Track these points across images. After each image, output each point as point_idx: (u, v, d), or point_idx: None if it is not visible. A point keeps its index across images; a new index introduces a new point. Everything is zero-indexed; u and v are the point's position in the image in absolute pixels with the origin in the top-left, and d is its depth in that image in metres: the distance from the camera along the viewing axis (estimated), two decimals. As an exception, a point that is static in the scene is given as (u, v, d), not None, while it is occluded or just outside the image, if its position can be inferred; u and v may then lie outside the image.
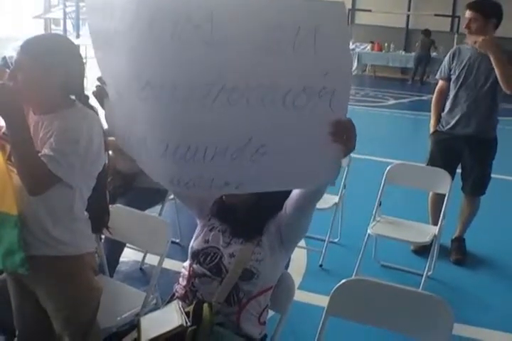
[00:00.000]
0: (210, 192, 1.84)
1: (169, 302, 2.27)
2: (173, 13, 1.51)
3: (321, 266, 4.24)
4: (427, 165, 4.45)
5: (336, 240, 4.60)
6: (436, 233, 3.92)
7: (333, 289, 2.22)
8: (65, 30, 12.71)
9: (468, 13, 4.13)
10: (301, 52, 1.48)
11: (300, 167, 1.70)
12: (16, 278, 2.28)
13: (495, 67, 3.97)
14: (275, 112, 1.57)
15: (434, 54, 15.85)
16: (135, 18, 1.57)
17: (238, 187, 1.75)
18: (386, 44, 17.12)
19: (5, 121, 1.96)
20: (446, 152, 4.40)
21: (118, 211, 2.59)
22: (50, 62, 2.05)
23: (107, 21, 1.69)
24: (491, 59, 3.97)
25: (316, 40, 1.46)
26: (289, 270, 2.44)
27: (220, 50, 1.51)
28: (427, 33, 15.68)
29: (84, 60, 2.23)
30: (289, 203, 2.15)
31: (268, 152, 1.64)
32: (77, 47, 2.27)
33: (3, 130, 2.05)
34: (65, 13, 12.97)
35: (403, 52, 17.10)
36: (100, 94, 1.93)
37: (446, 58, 4.38)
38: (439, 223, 3.99)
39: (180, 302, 2.18)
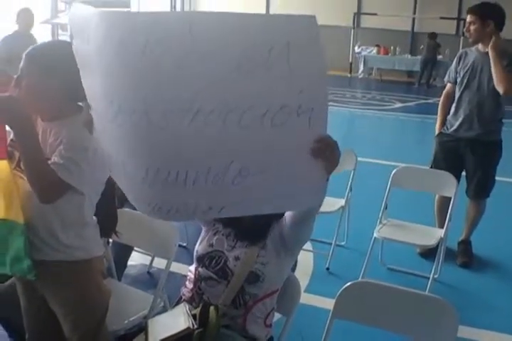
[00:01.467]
0: (193, 218, 1.79)
1: (177, 305, 2.29)
2: (142, 34, 1.43)
3: (327, 269, 4.25)
4: (431, 166, 4.47)
5: (342, 243, 4.61)
6: (443, 236, 3.92)
7: (339, 291, 2.23)
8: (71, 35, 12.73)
9: (467, 17, 4.21)
10: (275, 70, 1.42)
11: (284, 188, 1.64)
12: (25, 282, 2.30)
13: (492, 67, 4.03)
14: (254, 133, 1.51)
15: (439, 57, 15.84)
16: (104, 39, 1.49)
17: (221, 212, 1.68)
18: (392, 47, 17.11)
19: (13, 130, 1.97)
20: (449, 153, 4.42)
21: (126, 215, 2.60)
22: (55, 70, 2.05)
23: (84, 44, 1.64)
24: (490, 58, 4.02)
25: (289, 57, 1.41)
26: (296, 273, 2.46)
27: (191, 73, 1.44)
28: (432, 36, 15.65)
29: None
30: (287, 216, 2.17)
31: (250, 174, 1.59)
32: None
33: (11, 137, 2.07)
34: (71, 19, 13.01)
35: (409, 56, 17.08)
36: (88, 123, 1.85)
37: (454, 61, 4.42)
38: (445, 226, 3.99)
39: (187, 305, 2.19)
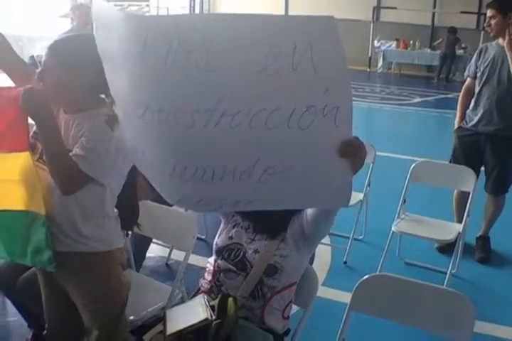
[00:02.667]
0: (221, 210, 1.79)
1: (194, 296, 2.31)
2: (166, 37, 1.43)
3: (345, 263, 4.26)
4: (450, 161, 4.45)
5: (360, 237, 4.61)
6: (461, 231, 3.91)
7: (356, 284, 2.24)
8: (91, 29, 12.77)
9: (487, 12, 4.18)
10: (300, 70, 1.42)
11: (310, 187, 1.65)
12: (46, 273, 2.31)
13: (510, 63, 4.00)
14: (280, 134, 1.52)
15: (460, 51, 15.73)
16: (130, 40, 1.50)
17: (248, 205, 1.71)
18: (411, 42, 17.02)
19: (35, 122, 1.99)
20: (468, 148, 4.40)
21: (145, 207, 2.62)
22: (78, 63, 2.06)
23: (108, 39, 1.64)
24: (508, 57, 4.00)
25: (312, 57, 1.41)
26: (313, 266, 2.46)
27: (216, 76, 1.44)
28: (452, 30, 15.53)
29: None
30: (309, 210, 2.18)
31: (276, 173, 1.60)
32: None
33: (34, 129, 2.09)
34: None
35: (429, 50, 16.96)
36: (111, 121, 1.91)
37: (474, 56, 4.39)
38: (464, 221, 3.98)
39: (205, 296, 2.21)
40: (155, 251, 4.11)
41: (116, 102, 1.80)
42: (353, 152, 1.56)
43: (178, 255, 3.82)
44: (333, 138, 1.55)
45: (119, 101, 1.76)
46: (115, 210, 2.29)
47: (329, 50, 1.43)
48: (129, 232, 3.01)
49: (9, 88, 2.07)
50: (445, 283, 3.69)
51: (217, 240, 2.37)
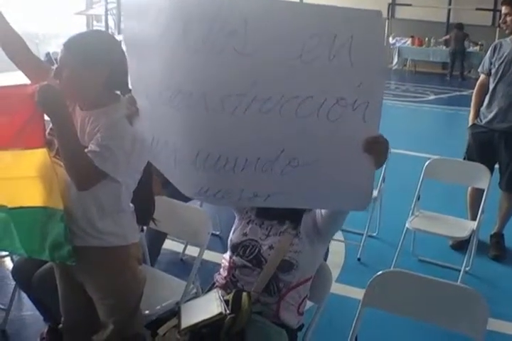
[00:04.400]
0: (238, 204, 1.77)
1: (209, 291, 2.33)
2: (207, 19, 1.46)
3: (359, 259, 4.26)
4: (464, 158, 4.44)
5: (374, 234, 4.61)
6: (475, 228, 3.90)
7: (370, 280, 2.25)
8: (106, 26, 12.81)
9: (503, 9, 4.17)
10: (336, 61, 1.43)
11: (332, 183, 1.65)
12: (63, 267, 2.33)
13: None
14: (308, 124, 1.53)
15: (474, 48, 15.62)
16: (169, 22, 1.53)
17: (266, 200, 1.70)
18: (426, 38, 16.92)
19: (51, 118, 2.00)
20: (482, 145, 4.38)
21: (160, 202, 2.63)
22: (94, 60, 2.08)
23: (141, 26, 1.66)
24: None
25: (351, 49, 1.42)
26: (327, 263, 2.47)
27: (253, 60, 1.46)
28: (459, 26, 15.49)
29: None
30: (323, 210, 2.19)
31: (300, 165, 1.60)
32: (119, 43, 2.29)
33: (51, 125, 2.10)
34: (106, 10, 13.07)
35: (444, 47, 16.87)
36: (131, 115, 1.90)
37: (488, 52, 4.37)
38: (478, 218, 3.97)
39: (220, 291, 2.23)
40: (170, 246, 4.13)
41: (138, 90, 1.80)
42: (378, 149, 1.58)
43: (192, 250, 3.84)
44: (360, 133, 1.55)
45: (143, 90, 1.76)
46: (131, 205, 2.30)
47: (370, 46, 1.44)
48: (145, 227, 3.03)
49: (25, 85, 2.08)
50: (459, 281, 3.69)
51: (232, 236, 2.38)
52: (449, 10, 17.69)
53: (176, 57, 1.56)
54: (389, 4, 17.91)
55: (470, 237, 3.89)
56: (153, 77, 1.67)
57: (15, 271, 3.02)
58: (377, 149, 1.58)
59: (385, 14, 17.61)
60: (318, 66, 1.45)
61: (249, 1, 1.49)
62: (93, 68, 2.08)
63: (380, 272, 2.26)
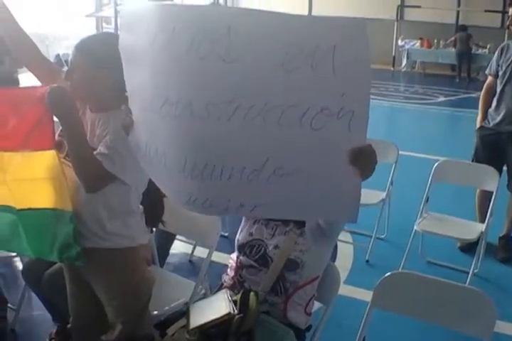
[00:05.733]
0: (226, 214, 1.77)
1: (217, 291, 2.34)
2: (192, 26, 1.47)
3: (367, 261, 4.27)
4: (472, 160, 4.43)
5: (382, 236, 4.61)
6: (483, 230, 3.90)
7: (378, 282, 2.26)
8: (116, 28, 12.85)
9: (510, 10, 4.16)
10: (319, 70, 1.42)
11: (319, 192, 1.62)
12: (72, 268, 2.35)
13: None
14: (292, 133, 1.51)
15: (483, 51, 15.57)
16: (157, 32, 1.54)
17: (253, 211, 1.69)
18: (435, 40, 16.89)
19: (60, 120, 2.01)
20: (490, 147, 4.37)
21: (170, 203, 2.64)
22: (105, 62, 2.07)
23: (134, 36, 1.68)
24: None
25: (334, 59, 1.40)
26: (336, 264, 2.48)
27: (236, 67, 1.46)
28: (462, 27, 15.50)
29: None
30: None
31: (285, 174, 1.58)
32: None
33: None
34: (116, 12, 13.12)
35: (453, 49, 16.81)
36: (127, 126, 1.89)
37: (495, 54, 4.36)
38: (487, 220, 3.97)
39: (228, 291, 2.24)
40: (178, 247, 4.15)
41: (132, 99, 1.81)
42: (363, 160, 1.54)
43: (201, 252, 3.85)
44: (345, 142, 1.53)
45: (137, 98, 1.77)
46: (140, 207, 2.31)
47: (353, 55, 1.43)
48: (154, 228, 3.04)
49: (34, 87, 2.10)
50: (467, 283, 3.68)
51: (239, 236, 2.40)
52: (458, 12, 17.65)
53: (163, 65, 1.57)
54: (398, 6, 17.90)
55: (478, 239, 3.88)
56: (144, 86, 1.68)
57: (24, 271, 3.04)
58: (362, 160, 1.54)
59: (393, 16, 17.71)
60: (301, 75, 1.44)
61: (233, 10, 1.51)
62: (104, 70, 2.09)
63: (388, 273, 2.27)
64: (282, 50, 1.43)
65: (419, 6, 17.11)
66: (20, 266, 3.56)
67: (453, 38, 16.16)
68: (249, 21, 1.45)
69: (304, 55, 1.42)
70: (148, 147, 1.78)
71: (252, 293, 2.14)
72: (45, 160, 2.10)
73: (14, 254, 3.40)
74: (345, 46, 1.41)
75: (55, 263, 2.62)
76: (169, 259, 3.83)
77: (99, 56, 2.09)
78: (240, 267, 2.32)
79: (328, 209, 1.69)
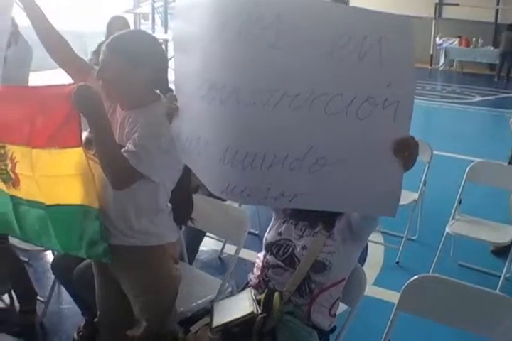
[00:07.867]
0: (264, 203, 1.79)
1: (243, 290, 2.33)
2: (244, 13, 1.50)
3: (397, 262, 4.22)
4: (509, 162, 4.36)
5: (413, 237, 4.57)
6: (517, 234, 3.83)
7: (405, 284, 2.23)
8: (153, 24, 12.94)
9: None
10: (366, 60, 1.45)
11: (359, 184, 1.63)
12: (100, 264, 2.37)
13: None
14: (337, 122, 1.53)
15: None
16: (210, 19, 1.58)
17: (292, 201, 1.69)
18: (474, 39, 16.66)
19: (87, 118, 2.02)
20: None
21: (199, 201, 2.64)
22: (137, 60, 2.10)
23: (187, 24, 1.72)
24: None
25: (381, 50, 1.44)
26: (366, 265, 2.47)
27: (284, 55, 1.48)
28: (511, 27, 15.14)
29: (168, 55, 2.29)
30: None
31: (327, 164, 1.60)
32: (160, 43, 2.33)
33: None
34: (153, 8, 13.22)
35: (491, 48, 16.57)
36: (171, 113, 1.91)
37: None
38: (521, 224, 3.90)
39: (252, 290, 2.24)
40: (209, 244, 4.16)
41: (179, 87, 1.85)
42: (407, 150, 1.56)
43: (231, 249, 3.85)
44: (389, 133, 1.55)
45: (185, 85, 1.80)
46: (169, 205, 2.31)
47: (399, 48, 1.46)
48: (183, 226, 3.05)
49: (62, 85, 2.10)
50: (498, 287, 3.63)
51: (267, 235, 2.39)
52: (497, 10, 17.39)
53: (214, 51, 1.60)
54: (436, 4, 17.68)
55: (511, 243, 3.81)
56: (192, 73, 1.71)
57: (54, 265, 3.08)
58: (405, 150, 1.56)
59: (432, 14, 17.49)
60: (349, 64, 1.47)
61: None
62: (136, 68, 2.10)
63: (416, 277, 2.24)
64: (331, 38, 1.46)
65: (457, 4, 16.87)
66: (50, 259, 3.60)
67: None
68: (298, 9, 1.48)
69: (352, 45, 1.45)
70: (190, 135, 1.80)
71: (276, 293, 2.13)
72: (71, 157, 2.11)
73: (45, 248, 3.44)
74: (392, 39, 1.45)
75: (82, 260, 2.65)
76: (199, 256, 3.84)
77: (131, 54, 2.10)
78: (266, 266, 2.31)
79: (368, 202, 1.70)
